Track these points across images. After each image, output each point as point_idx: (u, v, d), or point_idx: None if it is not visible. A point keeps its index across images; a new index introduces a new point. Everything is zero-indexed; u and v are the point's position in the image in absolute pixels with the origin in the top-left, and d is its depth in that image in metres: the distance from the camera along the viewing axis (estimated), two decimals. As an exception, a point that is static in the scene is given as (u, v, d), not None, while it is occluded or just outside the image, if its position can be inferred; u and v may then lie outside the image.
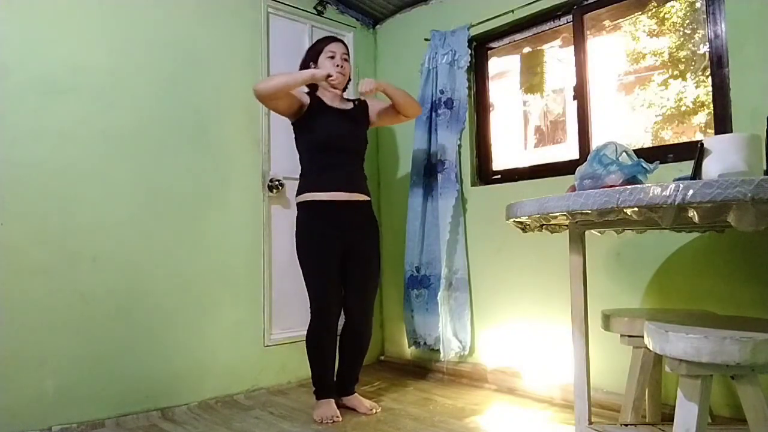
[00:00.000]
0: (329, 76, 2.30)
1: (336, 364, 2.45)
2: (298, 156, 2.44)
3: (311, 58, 2.46)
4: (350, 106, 2.49)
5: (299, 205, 2.38)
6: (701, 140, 1.44)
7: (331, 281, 2.32)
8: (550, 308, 2.50)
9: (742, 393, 1.34)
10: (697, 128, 5.13)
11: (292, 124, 2.42)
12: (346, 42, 2.56)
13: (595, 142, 2.49)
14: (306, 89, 2.44)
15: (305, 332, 2.37)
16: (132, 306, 2.36)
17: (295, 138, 2.44)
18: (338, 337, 2.44)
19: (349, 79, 2.54)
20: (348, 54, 2.48)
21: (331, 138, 2.34)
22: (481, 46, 3.01)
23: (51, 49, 2.22)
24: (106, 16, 2.37)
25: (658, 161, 1.55)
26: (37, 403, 2.09)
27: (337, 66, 2.39)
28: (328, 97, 2.43)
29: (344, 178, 2.35)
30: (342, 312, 2.42)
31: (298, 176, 2.44)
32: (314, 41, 2.59)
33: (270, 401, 2.58)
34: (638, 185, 1.25)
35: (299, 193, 2.38)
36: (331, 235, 2.31)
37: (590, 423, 1.73)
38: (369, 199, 2.45)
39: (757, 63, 1.96)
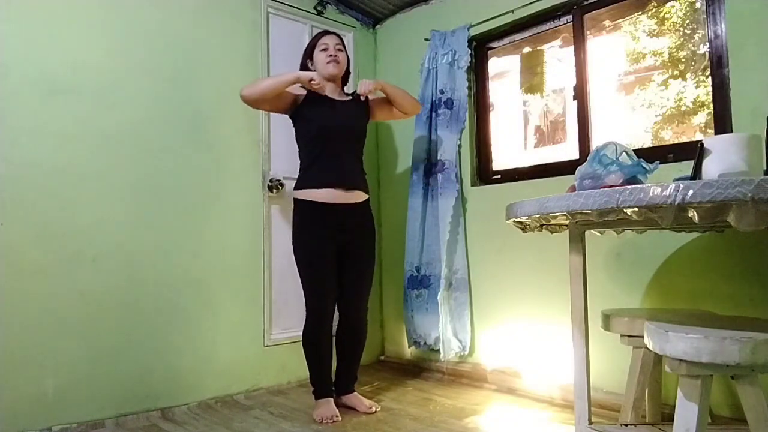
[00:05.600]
0: (312, 80, 2.29)
1: (334, 364, 2.45)
2: (297, 152, 2.45)
3: (307, 55, 2.48)
4: (349, 98, 2.49)
5: (297, 200, 2.38)
6: (701, 140, 1.44)
7: (327, 281, 2.33)
8: (550, 308, 2.50)
9: (742, 393, 1.34)
10: (697, 128, 5.12)
11: (290, 116, 2.43)
12: (341, 36, 2.56)
13: (595, 142, 2.49)
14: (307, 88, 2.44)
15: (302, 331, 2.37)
16: (132, 306, 2.36)
17: (295, 131, 2.44)
18: (334, 337, 2.44)
19: (349, 73, 2.55)
20: (342, 45, 2.48)
21: (328, 126, 2.34)
22: (481, 46, 3.01)
23: (51, 49, 2.22)
24: (106, 15, 2.37)
25: (658, 161, 1.55)
26: (37, 403, 2.09)
27: (331, 56, 2.39)
28: (327, 90, 2.42)
29: (343, 174, 2.35)
30: (337, 310, 2.42)
31: (297, 177, 2.43)
32: (310, 38, 2.60)
33: (270, 401, 2.58)
34: (638, 185, 1.25)
35: (297, 187, 2.38)
36: (328, 236, 2.31)
37: (590, 423, 1.73)
38: (367, 197, 2.45)
39: (757, 63, 1.96)
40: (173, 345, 2.47)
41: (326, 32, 2.51)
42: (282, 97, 2.33)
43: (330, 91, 2.43)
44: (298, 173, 2.42)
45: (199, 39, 2.67)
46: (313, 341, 2.34)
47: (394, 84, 2.58)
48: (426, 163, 2.98)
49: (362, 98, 2.43)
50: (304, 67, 2.49)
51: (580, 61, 2.56)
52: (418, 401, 2.53)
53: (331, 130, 2.35)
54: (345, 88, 2.57)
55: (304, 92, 2.39)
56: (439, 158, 2.91)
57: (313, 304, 2.32)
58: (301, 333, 2.38)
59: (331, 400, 2.35)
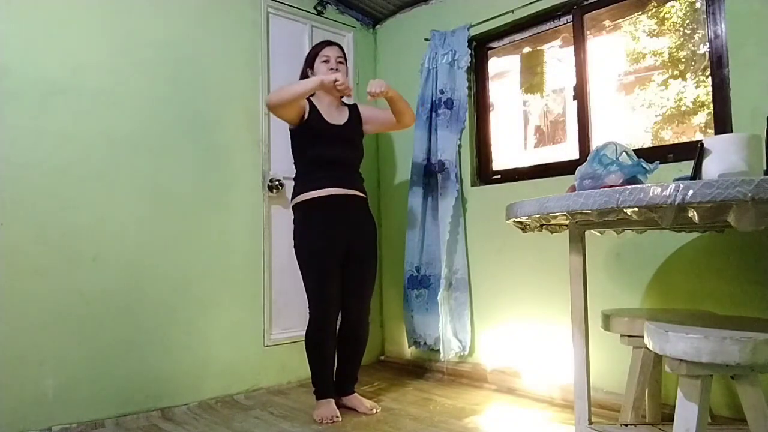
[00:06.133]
0: (336, 81, 2.27)
1: (335, 364, 2.45)
2: (293, 161, 2.45)
3: (308, 64, 2.48)
4: (345, 118, 2.47)
5: (295, 207, 2.38)
6: (701, 140, 1.44)
7: (330, 281, 2.32)
8: (550, 308, 2.50)
9: (742, 393, 1.34)
10: (697, 128, 5.13)
11: (290, 129, 2.42)
12: (342, 45, 2.57)
13: (595, 142, 2.49)
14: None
15: (304, 332, 2.37)
16: (132, 306, 2.36)
17: (291, 143, 2.44)
18: (336, 337, 2.44)
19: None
20: (344, 57, 2.48)
21: (325, 158, 2.35)
22: (481, 46, 3.01)
23: (51, 50, 2.22)
24: (106, 16, 2.37)
25: (658, 161, 1.55)
26: (37, 403, 2.09)
27: (332, 70, 2.39)
28: (324, 103, 2.42)
29: (340, 181, 2.36)
30: (339, 311, 2.42)
31: (293, 188, 2.43)
32: (312, 47, 2.59)
33: (270, 401, 2.58)
34: (638, 185, 1.25)
35: (294, 196, 2.38)
36: (330, 234, 2.31)
37: (590, 423, 1.73)
38: (365, 196, 2.46)
39: (757, 63, 1.96)
40: (173, 345, 2.47)
41: (329, 42, 2.50)
42: (300, 106, 2.32)
43: (327, 105, 2.43)
44: (294, 184, 2.42)
45: (199, 39, 2.67)
46: (317, 343, 2.34)
47: (393, 86, 2.57)
48: (426, 163, 2.98)
49: (368, 97, 2.40)
50: (304, 75, 2.48)
51: (580, 61, 2.56)
52: (418, 401, 2.53)
53: (329, 160, 2.36)
54: (343, 98, 2.57)
55: (308, 106, 2.38)
56: (439, 158, 2.91)
57: (317, 305, 2.32)
58: (301, 333, 2.39)
59: (332, 400, 2.35)
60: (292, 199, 2.40)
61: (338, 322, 2.43)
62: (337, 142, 2.38)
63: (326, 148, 2.36)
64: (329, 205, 2.32)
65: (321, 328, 2.33)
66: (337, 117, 2.44)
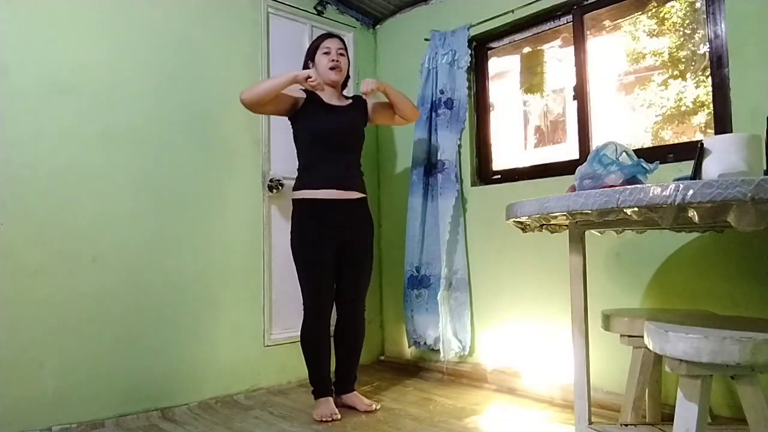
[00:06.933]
0: (309, 77, 2.26)
1: (333, 363, 2.45)
2: (296, 153, 2.45)
3: (309, 57, 2.49)
4: (348, 102, 2.49)
5: (295, 201, 2.38)
6: (701, 140, 1.44)
7: (325, 280, 2.34)
8: (550, 308, 2.50)
9: (742, 393, 1.35)
10: (697, 128, 5.13)
11: (289, 119, 2.44)
12: (343, 38, 2.57)
13: (595, 142, 2.49)
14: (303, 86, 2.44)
15: (300, 330, 2.38)
16: (132, 306, 2.36)
17: (293, 133, 2.45)
18: (333, 336, 2.45)
19: (348, 77, 2.55)
20: (345, 49, 2.49)
21: (325, 131, 2.35)
22: (481, 46, 3.01)
23: (51, 49, 2.22)
24: (106, 16, 2.37)
25: (658, 161, 1.55)
26: (37, 403, 2.09)
27: (333, 61, 2.40)
28: (326, 94, 2.43)
29: (340, 175, 2.36)
30: (334, 307, 2.43)
31: (295, 178, 2.44)
32: (313, 39, 2.61)
33: (270, 401, 2.58)
34: (638, 185, 1.25)
35: (296, 188, 2.39)
36: (326, 234, 2.32)
37: (590, 423, 1.73)
38: (364, 196, 2.46)
39: (757, 63, 1.96)
40: (173, 345, 2.47)
41: (329, 35, 2.52)
42: (281, 99, 2.33)
43: (329, 94, 2.44)
44: (297, 174, 2.43)
45: (200, 39, 2.67)
46: (311, 340, 2.35)
47: (394, 85, 2.58)
48: (426, 163, 2.98)
49: (363, 97, 2.44)
50: (305, 67, 2.50)
51: (580, 61, 2.56)
52: (418, 401, 2.53)
53: (329, 134, 2.35)
54: (344, 91, 2.57)
55: (304, 95, 2.39)
56: (439, 158, 2.91)
57: (311, 303, 2.33)
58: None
59: (331, 399, 2.35)
60: (294, 190, 2.40)
61: (334, 321, 2.43)
62: (335, 116, 2.39)
63: (324, 122, 2.35)
64: (328, 207, 2.32)
65: (315, 325, 2.33)
66: (338, 102, 2.46)
